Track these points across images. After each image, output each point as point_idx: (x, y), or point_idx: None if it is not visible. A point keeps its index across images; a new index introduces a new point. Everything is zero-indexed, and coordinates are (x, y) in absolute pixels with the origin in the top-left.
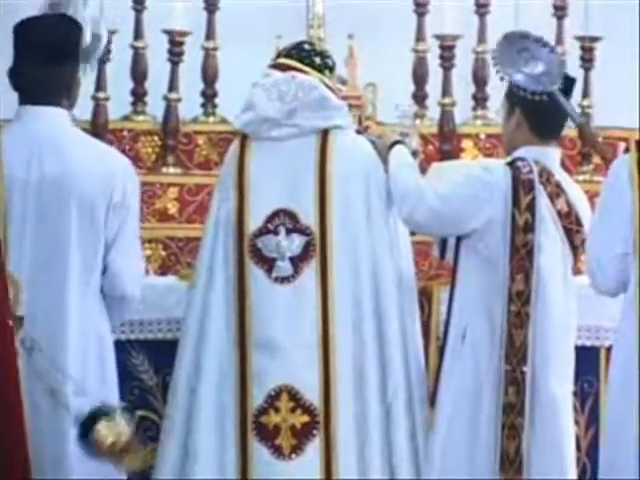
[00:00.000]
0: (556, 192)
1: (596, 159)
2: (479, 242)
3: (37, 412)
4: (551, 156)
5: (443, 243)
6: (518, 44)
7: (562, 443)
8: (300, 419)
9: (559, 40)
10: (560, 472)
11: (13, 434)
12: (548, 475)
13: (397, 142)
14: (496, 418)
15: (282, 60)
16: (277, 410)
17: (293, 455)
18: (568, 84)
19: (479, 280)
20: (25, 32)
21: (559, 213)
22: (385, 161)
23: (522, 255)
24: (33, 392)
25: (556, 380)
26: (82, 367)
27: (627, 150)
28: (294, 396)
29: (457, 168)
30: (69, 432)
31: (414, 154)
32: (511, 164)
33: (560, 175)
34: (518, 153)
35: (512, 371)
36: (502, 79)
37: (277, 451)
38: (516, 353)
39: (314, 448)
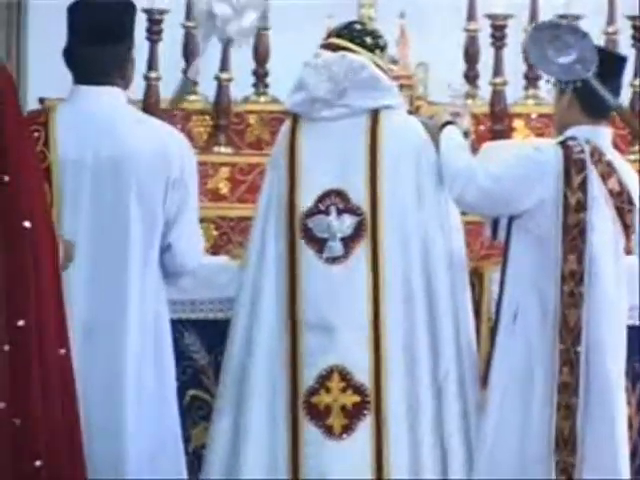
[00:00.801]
0: (608, 171)
1: None
2: (530, 221)
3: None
4: (602, 135)
5: (495, 223)
6: (548, 34)
7: (615, 423)
8: (351, 399)
9: (611, 19)
10: (612, 452)
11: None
12: (601, 455)
13: (448, 122)
14: (549, 398)
15: (333, 40)
16: (328, 390)
17: (344, 435)
18: (620, 63)
19: (530, 260)
20: (80, 11)
21: (611, 192)
22: (436, 142)
23: (574, 235)
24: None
25: (610, 360)
26: (141, 346)
27: None
28: (345, 376)
29: (508, 148)
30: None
31: (465, 134)
32: (562, 143)
33: (612, 154)
34: (569, 133)
35: (566, 351)
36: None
37: (328, 431)
38: (570, 333)
39: (365, 428)
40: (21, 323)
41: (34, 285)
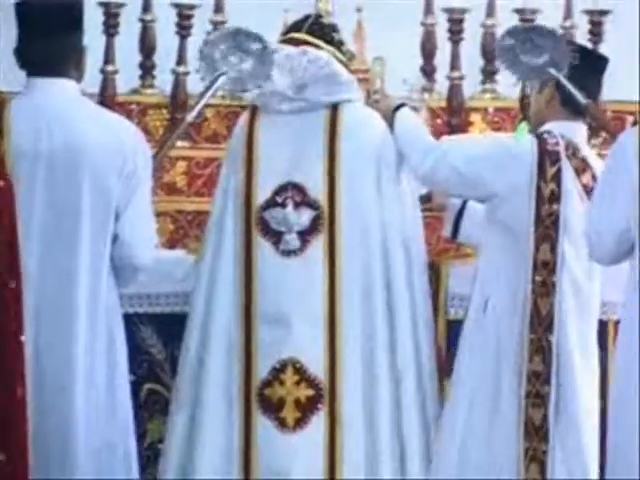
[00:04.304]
0: (582, 167)
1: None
2: (501, 210)
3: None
4: (578, 131)
5: (456, 222)
6: (520, 36)
7: (582, 416)
8: (305, 392)
9: (568, 14)
10: (578, 444)
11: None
12: (571, 444)
13: (401, 105)
14: (519, 387)
15: (293, 35)
16: (282, 383)
17: (297, 428)
18: (601, 63)
19: (500, 251)
20: (26, 5)
21: (585, 188)
22: (390, 125)
23: (547, 225)
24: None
25: (579, 352)
26: (92, 340)
27: (635, 123)
28: (299, 369)
29: (467, 139)
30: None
31: None
32: (537, 136)
33: (587, 151)
34: (545, 127)
35: (537, 340)
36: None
37: (281, 424)
38: (542, 322)
39: (319, 422)
40: None
41: None
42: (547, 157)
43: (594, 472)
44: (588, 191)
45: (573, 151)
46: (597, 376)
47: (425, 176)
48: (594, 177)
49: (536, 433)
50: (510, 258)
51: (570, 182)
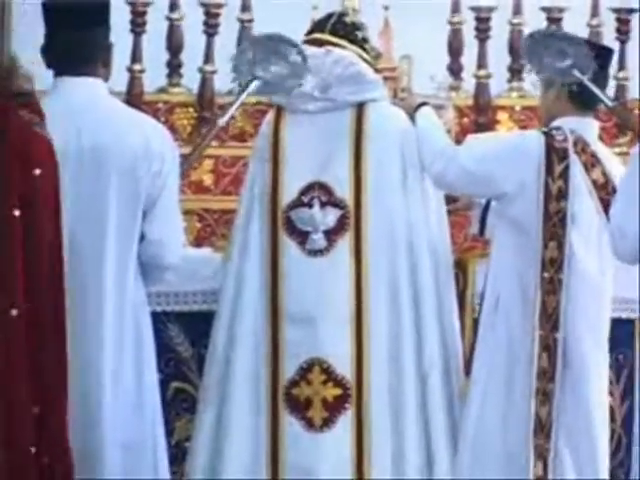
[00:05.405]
0: (591, 162)
1: None
2: (510, 208)
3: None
4: (588, 127)
5: (483, 219)
6: (544, 41)
7: (591, 410)
8: (332, 392)
9: (595, 12)
10: (589, 439)
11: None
12: (577, 441)
13: (423, 104)
14: (530, 385)
15: (317, 35)
16: (309, 383)
17: (324, 428)
18: (606, 55)
19: (511, 248)
20: (52, 3)
21: (594, 183)
22: (412, 122)
23: (555, 222)
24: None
25: (588, 348)
26: (119, 337)
27: None
28: (326, 369)
29: (493, 137)
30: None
31: (448, 132)
32: (546, 133)
33: (597, 146)
34: (555, 123)
35: (545, 337)
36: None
37: (308, 423)
38: (548, 319)
39: (346, 421)
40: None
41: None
42: (555, 154)
43: (604, 466)
44: (598, 186)
45: (582, 146)
46: (607, 368)
47: (437, 178)
48: (604, 172)
49: (541, 430)
50: (520, 255)
51: (579, 177)
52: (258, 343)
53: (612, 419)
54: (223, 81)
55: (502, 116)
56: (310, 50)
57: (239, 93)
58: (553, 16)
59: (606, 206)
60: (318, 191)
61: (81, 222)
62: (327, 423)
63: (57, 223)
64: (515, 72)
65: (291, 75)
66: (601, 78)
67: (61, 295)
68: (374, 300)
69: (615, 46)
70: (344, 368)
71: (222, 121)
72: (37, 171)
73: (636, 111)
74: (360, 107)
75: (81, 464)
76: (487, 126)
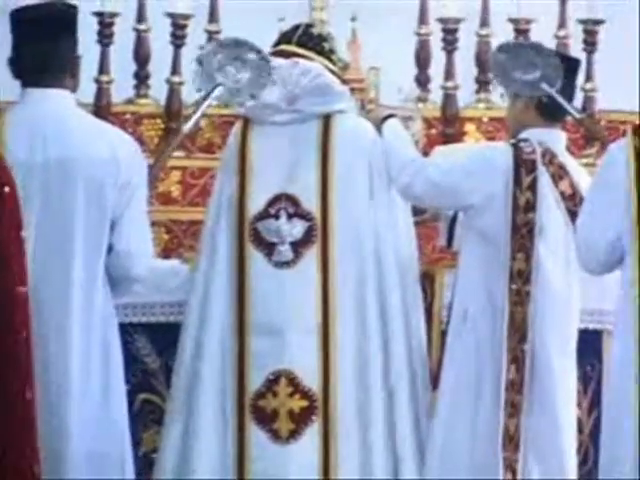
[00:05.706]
0: (559, 174)
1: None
2: (478, 219)
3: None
4: (556, 138)
5: (450, 231)
6: (512, 52)
7: (559, 421)
8: (298, 404)
9: (562, 23)
10: (557, 450)
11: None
12: (545, 453)
13: (390, 115)
14: (498, 397)
15: (284, 47)
16: (275, 394)
17: (291, 439)
18: (572, 65)
19: (479, 260)
20: (20, 14)
21: (562, 195)
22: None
23: (523, 234)
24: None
25: (556, 359)
26: (87, 350)
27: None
28: (292, 381)
29: (461, 149)
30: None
31: (416, 143)
32: (514, 145)
33: (565, 158)
34: (523, 135)
35: (513, 349)
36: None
37: (275, 435)
38: (516, 331)
39: (312, 433)
40: None
41: None
42: (523, 166)
43: (572, 477)
44: (566, 198)
45: (550, 158)
46: (575, 379)
47: (403, 190)
48: (572, 184)
49: (510, 442)
50: (488, 267)
51: (547, 189)
52: (225, 354)
53: (580, 430)
54: (191, 92)
55: (470, 127)
56: (277, 62)
57: (202, 100)
58: (520, 27)
59: (574, 217)
60: (285, 202)
61: (48, 234)
62: (294, 435)
63: (20, 240)
64: (482, 83)
65: (254, 80)
66: (568, 89)
67: (26, 308)
68: (341, 312)
69: (582, 57)
70: (311, 380)
71: (186, 127)
72: (6, 189)
73: (603, 122)
74: (327, 118)
75: (48, 475)
76: (455, 137)
